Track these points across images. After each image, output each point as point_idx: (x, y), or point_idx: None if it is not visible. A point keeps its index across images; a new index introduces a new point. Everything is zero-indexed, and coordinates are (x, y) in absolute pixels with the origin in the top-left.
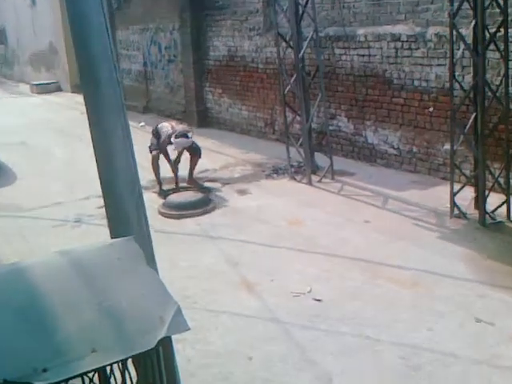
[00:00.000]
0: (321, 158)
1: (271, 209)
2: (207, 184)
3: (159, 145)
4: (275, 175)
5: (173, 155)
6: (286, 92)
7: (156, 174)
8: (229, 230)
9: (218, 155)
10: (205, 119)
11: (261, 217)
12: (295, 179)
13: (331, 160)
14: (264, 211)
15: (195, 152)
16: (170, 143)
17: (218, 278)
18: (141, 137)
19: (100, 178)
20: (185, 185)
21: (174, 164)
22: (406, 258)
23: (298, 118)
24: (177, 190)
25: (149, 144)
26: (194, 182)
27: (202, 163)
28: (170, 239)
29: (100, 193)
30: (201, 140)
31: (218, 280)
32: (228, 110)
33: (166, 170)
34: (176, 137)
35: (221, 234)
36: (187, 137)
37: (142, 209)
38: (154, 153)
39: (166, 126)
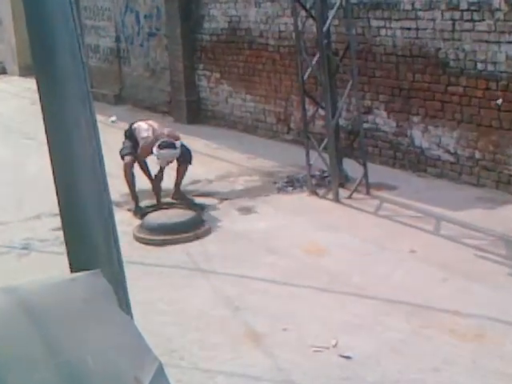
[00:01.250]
0: (351, 166)
1: (284, 233)
2: (199, 200)
3: (134, 149)
4: (290, 188)
5: (153, 168)
6: (305, 77)
7: (130, 186)
8: (227, 261)
9: (215, 161)
10: (197, 113)
11: (270, 244)
12: (317, 194)
13: (365, 169)
14: (275, 236)
15: (184, 158)
16: (150, 153)
17: (213, 326)
18: (112, 136)
19: (57, 191)
20: (169, 200)
21: (156, 182)
22: (467, 300)
23: (321, 111)
24: (158, 207)
25: (120, 147)
26: (181, 197)
27: (193, 172)
28: (150, 273)
29: (56, 210)
30: (191, 141)
31: (212, 329)
32: (228, 101)
33: (143, 179)
34: (160, 146)
35: (216, 266)
36: (174, 147)
37: (113, 232)
38: (128, 159)
39: (145, 129)
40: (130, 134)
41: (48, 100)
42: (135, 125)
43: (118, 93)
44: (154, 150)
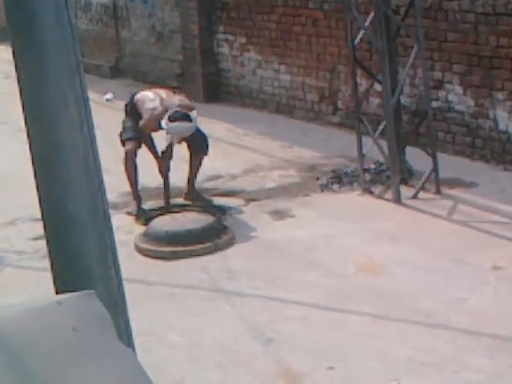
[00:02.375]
0: (417, 157)
1: (329, 244)
2: (219, 200)
3: (138, 131)
4: (337, 186)
5: (161, 146)
6: (356, 42)
7: (131, 182)
8: (256, 280)
9: (239, 151)
10: (216, 89)
11: (311, 258)
12: (371, 193)
13: (435, 160)
14: (317, 248)
15: (199, 146)
16: (159, 128)
17: (238, 363)
18: (107, 119)
19: (37, 190)
20: (181, 201)
21: (164, 160)
22: None
23: (377, 86)
24: (167, 209)
25: (120, 130)
26: (196, 197)
27: (212, 165)
28: (157, 295)
29: (36, 214)
30: (209, 125)
31: (237, 367)
32: (256, 74)
33: (148, 173)
34: (170, 119)
35: (242, 287)
36: (189, 119)
37: (110, 243)
38: (129, 146)
39: (151, 99)
40: (132, 109)
41: (26, 74)
42: (138, 95)
43: (115, 64)
44: (163, 123)
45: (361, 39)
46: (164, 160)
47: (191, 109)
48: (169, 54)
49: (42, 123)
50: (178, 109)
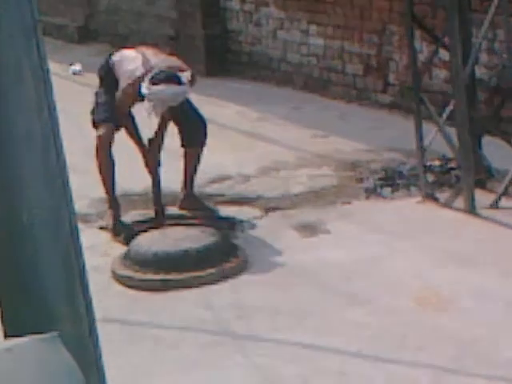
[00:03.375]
0: (498, 151)
1: (377, 269)
2: (227, 210)
3: (113, 105)
4: (388, 190)
5: (147, 128)
6: None
7: (107, 185)
8: (277, 319)
9: (254, 142)
10: (222, 57)
11: (352, 288)
12: (435, 199)
13: None
14: (360, 275)
15: (194, 133)
16: (140, 98)
17: None
18: (74, 97)
19: None
20: (175, 211)
21: (152, 149)
22: None
23: (443, 54)
24: (156, 222)
25: (91, 108)
26: (196, 205)
27: (217, 161)
28: (142, 341)
29: None
30: (212, 106)
31: None
32: (277, 37)
33: (130, 170)
34: (153, 81)
35: (258, 328)
36: (179, 80)
37: (78, 268)
38: (103, 130)
39: (133, 58)
40: (108, 76)
41: None
42: (115, 57)
43: (85, 24)
44: (143, 86)
45: None
46: (152, 150)
47: (184, 70)
48: (158, 10)
49: None
50: (163, 68)
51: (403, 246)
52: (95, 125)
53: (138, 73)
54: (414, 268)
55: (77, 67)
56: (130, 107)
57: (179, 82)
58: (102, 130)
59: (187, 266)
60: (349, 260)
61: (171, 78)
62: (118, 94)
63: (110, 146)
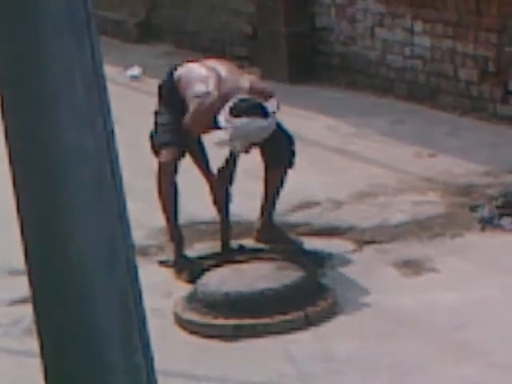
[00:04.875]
0: None
1: (496, 316)
2: (313, 243)
3: (179, 131)
4: (508, 220)
5: (217, 156)
6: None
7: (169, 214)
8: (374, 375)
9: (348, 162)
10: (310, 60)
11: (465, 339)
12: None
13: None
14: (475, 322)
15: (279, 153)
16: (215, 127)
17: None
18: (132, 106)
19: (21, 229)
20: (251, 244)
21: (221, 180)
22: None
23: None
24: (227, 257)
25: (151, 128)
26: (275, 237)
27: (301, 184)
28: None
29: (17, 264)
30: (297, 119)
31: None
32: (375, 35)
33: (195, 198)
34: (234, 112)
35: None
36: (264, 112)
37: (135, 311)
38: (166, 155)
39: (202, 78)
40: (171, 93)
41: (7, 37)
42: (181, 71)
43: (146, 20)
44: (222, 118)
45: None
46: (222, 181)
47: (268, 96)
48: (233, 3)
49: (30, 114)
50: (245, 96)
51: None
52: (156, 149)
53: (211, 99)
54: None
55: (135, 72)
56: (200, 135)
57: (265, 114)
58: (165, 155)
59: (264, 310)
60: (460, 304)
61: (256, 108)
62: (187, 120)
63: (175, 173)
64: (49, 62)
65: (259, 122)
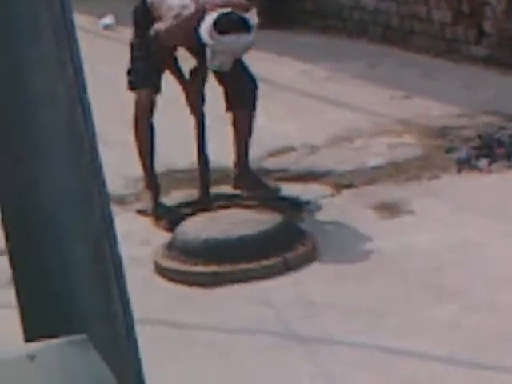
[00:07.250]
0: None
1: (472, 257)
2: (290, 188)
3: (154, 60)
4: (484, 162)
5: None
6: None
7: (145, 160)
8: (353, 319)
9: (323, 106)
10: (283, 5)
11: (442, 280)
12: None
13: None
14: (452, 264)
15: (242, 94)
16: (191, 41)
17: None
18: (105, 55)
19: None
20: (228, 190)
21: (193, 77)
22: None
23: None
24: (205, 204)
25: (127, 66)
26: (252, 184)
27: (277, 129)
28: (189, 344)
29: None
30: (271, 64)
31: None
32: None
33: (172, 143)
34: (219, 27)
35: (330, 330)
36: (248, 26)
37: (112, 259)
38: (143, 94)
39: None
40: (146, 17)
41: None
42: None
43: None
44: (205, 34)
45: None
46: (194, 81)
47: (246, 8)
48: None
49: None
50: (223, 9)
51: (503, 229)
52: (132, 88)
53: (189, 11)
54: None
55: (108, 20)
56: (175, 48)
57: (249, 28)
58: (140, 95)
59: (243, 256)
60: (438, 246)
61: (240, 23)
62: (159, 30)
63: (151, 114)
64: (16, 10)
65: (245, 37)
